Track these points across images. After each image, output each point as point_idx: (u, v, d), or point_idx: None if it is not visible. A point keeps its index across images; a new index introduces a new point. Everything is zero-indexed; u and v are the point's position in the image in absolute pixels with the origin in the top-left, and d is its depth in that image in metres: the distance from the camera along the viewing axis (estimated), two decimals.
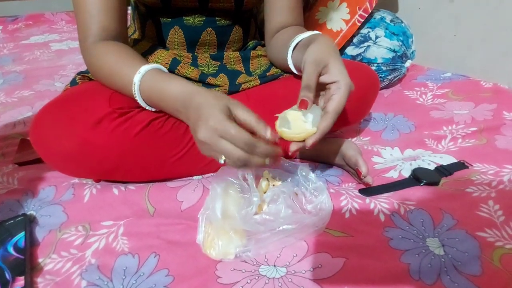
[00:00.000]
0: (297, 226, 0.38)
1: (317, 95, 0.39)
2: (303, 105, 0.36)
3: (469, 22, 0.82)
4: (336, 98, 0.37)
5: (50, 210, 0.45)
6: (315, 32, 0.45)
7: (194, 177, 0.52)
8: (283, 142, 0.38)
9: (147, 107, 0.43)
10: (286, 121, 0.37)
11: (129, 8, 0.58)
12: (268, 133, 0.34)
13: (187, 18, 0.53)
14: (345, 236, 0.40)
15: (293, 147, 0.38)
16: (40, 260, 0.39)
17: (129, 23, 0.56)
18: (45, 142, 0.42)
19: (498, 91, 0.75)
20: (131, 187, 0.48)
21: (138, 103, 0.43)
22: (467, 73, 0.84)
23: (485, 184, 0.48)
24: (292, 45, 0.46)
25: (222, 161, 0.35)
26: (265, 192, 0.45)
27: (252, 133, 0.34)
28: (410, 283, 0.34)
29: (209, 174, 0.52)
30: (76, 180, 0.51)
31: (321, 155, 0.55)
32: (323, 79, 0.39)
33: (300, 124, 0.37)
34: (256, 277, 0.36)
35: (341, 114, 0.53)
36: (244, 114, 0.35)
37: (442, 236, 0.40)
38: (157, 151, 0.46)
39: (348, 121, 0.54)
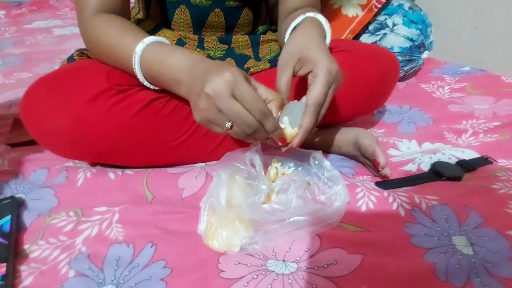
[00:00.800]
0: (309, 218, 0.35)
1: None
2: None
3: (490, 14, 0.78)
4: (313, 88, 0.34)
5: (40, 194, 0.42)
6: (311, 14, 0.42)
7: (196, 165, 0.48)
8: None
9: (145, 83, 0.39)
10: None
11: None
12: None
13: None
14: (361, 231, 0.36)
15: (283, 150, 0.37)
16: (25, 246, 0.35)
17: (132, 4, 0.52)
18: (37, 118, 0.38)
19: None
20: (129, 171, 0.45)
21: (138, 81, 0.39)
22: (487, 68, 0.80)
23: None
24: (288, 31, 0.43)
25: (228, 125, 0.31)
26: (273, 181, 0.41)
27: None
28: (437, 285, 0.30)
29: (213, 162, 0.48)
30: (70, 163, 0.48)
31: (333, 145, 0.51)
32: (301, 73, 0.36)
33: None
34: (263, 273, 0.32)
35: (357, 101, 0.49)
36: (260, 86, 0.32)
37: (469, 234, 0.36)
38: (157, 134, 0.42)
39: (366, 108, 0.50)
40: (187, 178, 0.44)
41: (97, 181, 0.43)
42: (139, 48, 0.36)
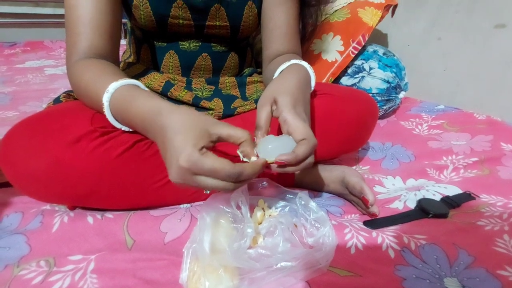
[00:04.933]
0: (297, 263, 0.33)
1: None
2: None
3: (458, 58, 0.86)
4: (298, 126, 0.34)
5: (10, 241, 0.39)
6: (296, 61, 0.44)
7: (181, 206, 0.47)
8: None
9: (118, 126, 0.39)
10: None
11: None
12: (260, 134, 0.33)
13: (183, 43, 0.52)
14: (352, 275, 0.35)
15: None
16: None
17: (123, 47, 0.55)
18: (12, 160, 0.37)
19: (492, 123, 0.75)
20: (109, 215, 0.43)
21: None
22: (459, 106, 0.85)
23: (496, 217, 0.45)
24: (276, 74, 0.46)
25: (207, 192, 0.32)
26: (260, 223, 0.40)
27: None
28: None
29: (199, 202, 0.47)
30: (47, 206, 0.45)
31: (321, 183, 0.51)
32: (274, 114, 0.38)
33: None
34: None
35: (340, 140, 0.51)
36: (229, 130, 0.32)
37: (461, 276, 0.35)
38: (140, 176, 0.41)
39: (349, 147, 0.51)
40: (171, 221, 0.42)
41: (74, 226, 0.41)
42: (105, 98, 0.36)
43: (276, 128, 0.41)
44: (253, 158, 0.33)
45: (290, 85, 0.39)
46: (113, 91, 0.36)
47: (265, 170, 0.34)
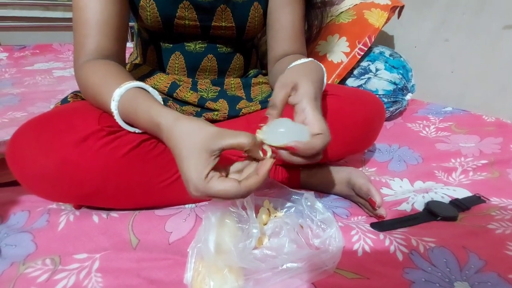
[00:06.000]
0: (303, 265, 0.33)
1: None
2: (264, 121, 0.34)
3: (465, 60, 0.84)
4: (315, 119, 0.33)
5: (17, 239, 0.39)
6: (309, 59, 0.44)
7: (186, 206, 0.47)
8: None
9: (125, 126, 0.39)
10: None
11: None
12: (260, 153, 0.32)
13: (189, 44, 0.53)
14: (360, 278, 0.34)
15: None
16: None
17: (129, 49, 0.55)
18: (20, 159, 0.37)
19: (501, 125, 0.74)
20: (114, 214, 0.43)
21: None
22: (467, 108, 0.84)
23: (507, 220, 0.44)
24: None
25: None
26: (265, 224, 0.39)
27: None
28: None
29: (204, 203, 0.47)
30: (53, 205, 0.45)
31: (327, 184, 0.51)
32: (291, 100, 0.36)
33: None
34: None
35: (346, 141, 0.50)
36: (231, 141, 0.30)
37: (471, 280, 0.34)
38: (146, 175, 0.41)
39: (355, 148, 0.51)
40: (175, 221, 0.42)
41: (79, 225, 0.41)
42: (113, 106, 0.37)
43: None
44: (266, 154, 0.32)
45: (312, 76, 0.38)
46: (119, 98, 0.37)
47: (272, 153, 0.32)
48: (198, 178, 0.29)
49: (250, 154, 0.33)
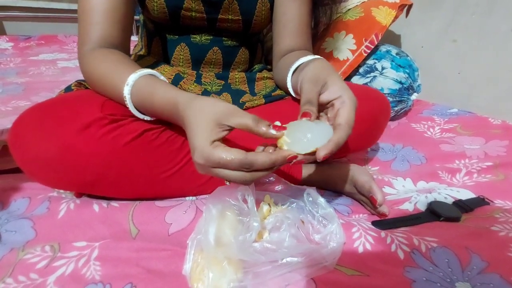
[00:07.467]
0: (303, 259, 0.32)
1: (317, 116, 0.36)
2: (306, 115, 0.33)
3: (473, 61, 0.83)
4: (345, 111, 0.34)
5: (17, 225, 0.39)
6: (317, 56, 0.44)
7: (187, 198, 0.46)
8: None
9: (135, 112, 0.39)
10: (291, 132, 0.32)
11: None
12: (270, 131, 0.30)
13: (194, 36, 0.52)
14: (360, 275, 0.34)
15: (300, 157, 0.32)
16: None
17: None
18: (23, 145, 0.37)
19: (507, 128, 0.73)
20: (115, 204, 0.43)
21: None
22: (473, 110, 0.83)
23: (511, 223, 0.43)
24: (292, 68, 0.45)
25: (227, 183, 0.32)
26: (265, 219, 0.39)
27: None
28: None
29: (205, 196, 0.47)
30: (54, 193, 0.45)
31: (328, 181, 0.50)
32: (324, 97, 0.36)
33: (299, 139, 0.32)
34: None
35: (351, 138, 0.50)
36: (240, 119, 0.30)
37: (473, 281, 0.34)
38: (148, 165, 0.41)
39: (359, 146, 0.50)
40: (176, 213, 0.42)
41: (79, 213, 0.41)
42: (126, 90, 0.37)
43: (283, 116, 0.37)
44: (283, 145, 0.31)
45: (337, 74, 0.37)
46: (133, 83, 0.37)
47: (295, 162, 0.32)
48: (204, 143, 0.30)
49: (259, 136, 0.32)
